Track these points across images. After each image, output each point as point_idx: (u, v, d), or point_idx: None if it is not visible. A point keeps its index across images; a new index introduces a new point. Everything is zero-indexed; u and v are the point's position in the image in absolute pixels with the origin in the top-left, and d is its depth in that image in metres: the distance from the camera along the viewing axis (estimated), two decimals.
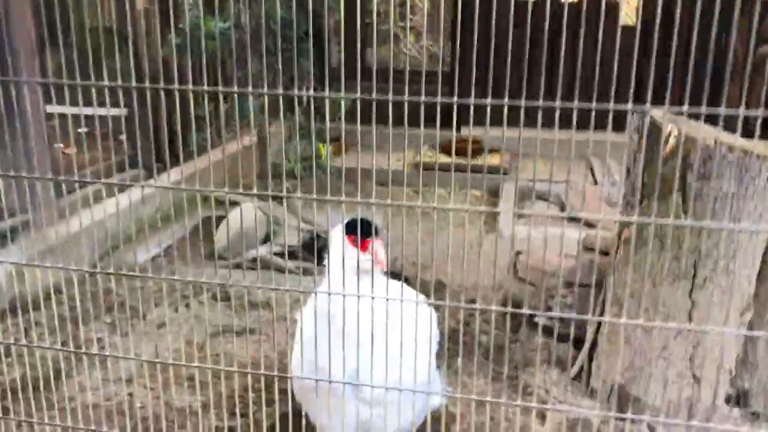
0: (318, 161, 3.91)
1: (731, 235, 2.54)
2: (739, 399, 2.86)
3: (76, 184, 3.69)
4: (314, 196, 1.57)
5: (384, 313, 1.54)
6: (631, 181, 2.85)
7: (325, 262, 1.99)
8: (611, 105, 1.43)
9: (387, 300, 1.52)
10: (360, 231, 1.85)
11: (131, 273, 1.89)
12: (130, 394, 2.84)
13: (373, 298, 1.46)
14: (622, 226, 2.92)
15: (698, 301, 2.60)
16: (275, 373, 1.68)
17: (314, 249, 4.03)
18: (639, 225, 2.73)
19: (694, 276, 2.60)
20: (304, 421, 2.01)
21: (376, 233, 1.91)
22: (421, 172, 6.07)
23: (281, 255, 3.98)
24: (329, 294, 1.52)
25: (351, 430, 1.91)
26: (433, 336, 2.18)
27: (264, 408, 2.76)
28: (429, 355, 2.02)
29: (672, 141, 2.63)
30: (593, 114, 1.41)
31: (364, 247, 1.91)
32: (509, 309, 1.54)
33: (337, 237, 1.97)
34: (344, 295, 1.51)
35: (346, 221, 2.00)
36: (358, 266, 1.75)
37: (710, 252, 2.56)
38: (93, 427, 2.13)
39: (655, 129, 2.77)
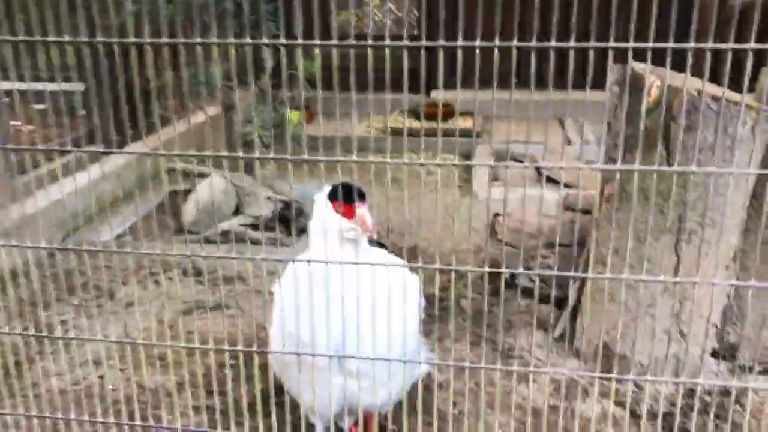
0: (288, 128, 3.76)
1: (716, 187, 2.48)
2: (725, 353, 2.84)
3: (31, 163, 3.50)
4: (289, 157, 1.45)
5: (369, 281, 1.43)
6: (612, 136, 2.77)
7: (307, 231, 1.87)
8: (591, 43, 1.32)
9: (373, 266, 1.41)
10: (344, 196, 1.73)
11: (96, 249, 1.75)
12: (100, 377, 2.71)
13: (357, 264, 1.35)
14: (604, 183, 2.85)
15: (684, 255, 2.54)
16: (253, 348, 1.57)
17: (288, 220, 3.91)
18: (622, 180, 2.66)
19: (679, 230, 2.53)
20: (286, 398, 1.91)
21: (362, 198, 1.79)
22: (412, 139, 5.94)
23: (253, 227, 3.85)
24: (309, 262, 1.41)
25: (336, 404, 1.81)
26: (420, 304, 2.08)
27: (242, 385, 2.65)
28: (417, 323, 1.92)
29: (655, 92, 2.55)
30: (571, 71, 1.30)
31: (349, 214, 1.80)
32: (487, 269, 1.45)
33: (320, 204, 1.85)
34: (327, 263, 1.40)
35: (332, 186, 1.87)
36: (342, 234, 1.63)
37: (695, 205, 2.49)
38: (60, 415, 2.01)
39: (636, 80, 2.69)
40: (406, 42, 1.25)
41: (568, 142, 5.74)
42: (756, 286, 1.61)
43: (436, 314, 1.87)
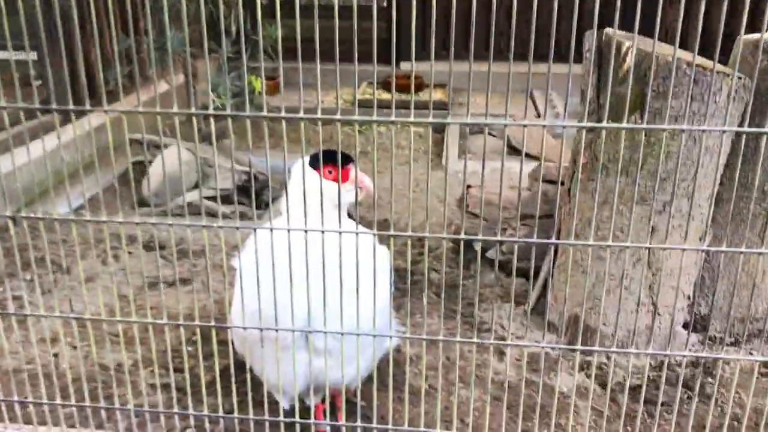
0: (251, 96, 3.62)
1: (691, 156, 2.43)
2: (696, 325, 2.82)
3: None
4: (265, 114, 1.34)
5: (336, 252, 1.33)
6: (585, 104, 2.70)
7: (271, 205, 1.77)
8: None
9: (340, 237, 1.32)
10: (334, 160, 1.65)
11: (52, 217, 1.64)
12: (55, 355, 2.59)
13: (323, 232, 1.25)
14: (576, 154, 2.79)
15: (657, 226, 2.50)
16: (212, 323, 1.47)
17: (250, 192, 3.79)
18: (593, 150, 2.60)
19: (653, 200, 2.49)
20: (248, 375, 1.83)
21: (351, 160, 1.73)
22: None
23: (213, 199, 3.72)
24: (271, 230, 1.31)
25: (302, 382, 1.72)
26: (391, 277, 2.00)
27: (201, 362, 2.56)
28: (388, 297, 1.84)
29: (629, 59, 2.48)
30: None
31: (344, 178, 1.74)
32: (463, 236, 1.37)
33: (298, 174, 1.76)
34: (289, 230, 1.30)
35: (312, 153, 1.79)
36: (339, 200, 1.52)
37: (670, 175, 2.44)
38: (15, 398, 1.90)
39: (609, 47, 2.62)
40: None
41: (538, 115, 5.69)
42: (726, 251, 1.56)
43: (408, 288, 1.80)
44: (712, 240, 2.63)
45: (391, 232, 1.28)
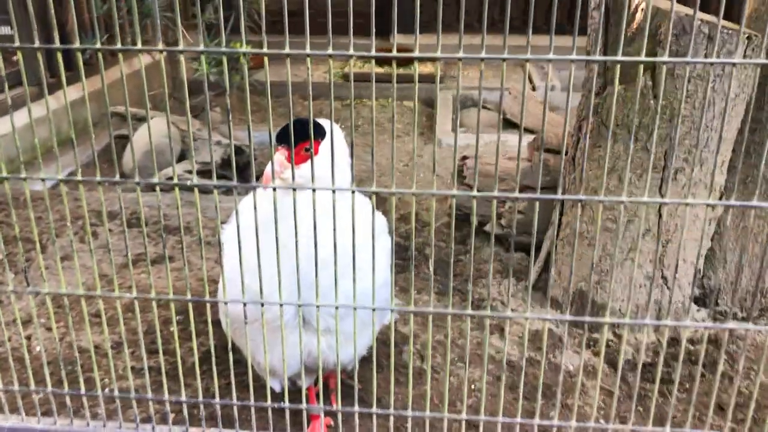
0: (235, 66, 3.44)
1: (705, 119, 2.29)
2: (705, 299, 2.69)
3: None
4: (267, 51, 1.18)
5: (328, 217, 1.17)
6: (590, 68, 2.54)
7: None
8: None
9: (333, 201, 1.15)
10: (286, 139, 1.44)
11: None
12: (28, 338, 2.43)
13: (314, 190, 1.09)
14: (581, 119, 2.64)
15: (668, 195, 2.36)
16: (188, 297, 1.32)
17: (237, 166, 3.62)
18: (600, 116, 2.45)
19: (664, 168, 2.35)
20: (230, 356, 1.68)
21: (321, 136, 1.50)
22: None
23: (201, 173, 3.55)
24: (254, 188, 1.16)
25: (293, 362, 1.57)
26: (391, 247, 1.85)
27: (192, 341, 2.41)
28: (388, 270, 1.69)
29: (639, 15, 2.33)
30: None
31: (298, 158, 1.49)
32: (475, 193, 1.22)
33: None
34: (275, 188, 1.14)
35: (283, 126, 1.53)
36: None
37: (682, 139, 2.30)
38: None
39: (618, 3, 2.47)
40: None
41: (533, 88, 5.52)
42: (737, 204, 1.40)
43: (398, 264, 1.65)
44: (723, 211, 2.50)
45: (393, 190, 1.13)
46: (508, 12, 1.04)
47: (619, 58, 1.17)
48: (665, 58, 1.15)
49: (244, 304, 1.17)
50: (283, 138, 1.46)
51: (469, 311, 1.23)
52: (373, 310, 1.17)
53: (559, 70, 5.71)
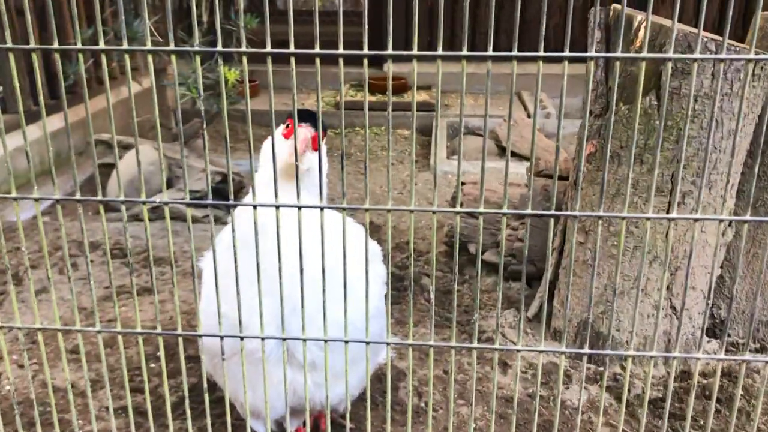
0: (226, 91, 3.33)
1: (713, 141, 2.19)
2: (715, 330, 2.56)
3: None
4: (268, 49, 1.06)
5: (317, 241, 1.04)
6: (592, 88, 2.45)
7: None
8: None
9: (323, 227, 1.03)
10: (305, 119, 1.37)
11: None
12: None
13: (299, 208, 0.96)
14: (582, 141, 2.54)
15: (676, 220, 2.25)
16: (157, 330, 1.19)
17: (225, 195, 3.50)
18: (604, 137, 2.35)
19: (672, 191, 2.24)
20: (208, 396, 1.54)
21: (308, 120, 1.43)
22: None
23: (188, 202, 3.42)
24: (232, 206, 1.04)
25: (280, 404, 1.43)
26: (385, 274, 1.73)
27: (166, 381, 2.26)
28: (382, 299, 1.56)
29: (642, 33, 2.24)
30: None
31: (289, 134, 1.47)
32: (481, 210, 1.10)
33: (267, 143, 1.48)
34: (255, 206, 1.02)
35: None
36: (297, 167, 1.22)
37: (690, 161, 2.20)
38: None
39: (618, 23, 2.38)
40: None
41: (528, 115, 5.45)
42: (752, 220, 1.27)
43: (393, 295, 1.52)
44: (733, 238, 2.39)
45: (389, 206, 1.01)
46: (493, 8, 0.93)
47: (619, 54, 1.06)
48: (671, 54, 1.04)
49: (221, 338, 1.04)
50: (306, 117, 1.39)
51: (475, 344, 1.10)
52: (367, 343, 1.03)
53: (553, 98, 5.65)
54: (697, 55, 1.06)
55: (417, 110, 5.65)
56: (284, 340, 1.06)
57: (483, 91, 6.56)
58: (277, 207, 1.00)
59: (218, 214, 3.34)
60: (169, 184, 3.46)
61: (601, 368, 2.39)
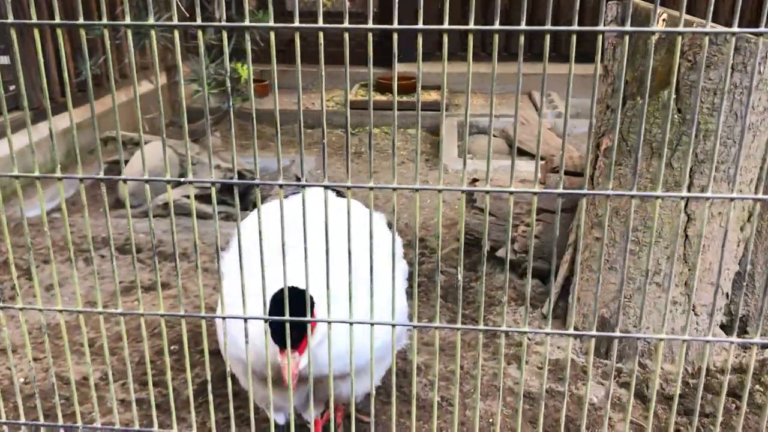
0: (236, 88, 3.33)
1: (732, 134, 2.17)
2: (732, 327, 2.53)
3: None
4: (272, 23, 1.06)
5: (342, 240, 1.00)
6: (609, 82, 2.43)
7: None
8: None
9: (348, 221, 0.99)
10: (280, 335, 1.19)
11: None
12: (10, 369, 2.27)
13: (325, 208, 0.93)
14: (599, 136, 2.52)
15: (694, 214, 2.23)
16: (202, 314, 1.18)
17: (236, 191, 3.49)
18: (621, 131, 2.33)
19: (690, 185, 2.22)
20: (231, 387, 1.52)
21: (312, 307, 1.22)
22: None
23: (199, 198, 3.42)
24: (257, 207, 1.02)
25: (299, 395, 1.41)
26: (405, 269, 1.71)
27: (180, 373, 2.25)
28: (405, 298, 1.54)
29: (660, 25, 2.22)
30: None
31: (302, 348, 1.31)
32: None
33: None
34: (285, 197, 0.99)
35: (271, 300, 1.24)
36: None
37: (709, 155, 2.17)
38: None
39: (635, 17, 2.37)
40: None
41: (539, 115, 5.43)
42: (763, 198, 1.25)
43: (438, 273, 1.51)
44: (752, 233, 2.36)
45: (394, 185, 0.99)
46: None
47: (628, 28, 1.03)
48: (681, 29, 1.01)
49: (245, 320, 1.02)
50: (281, 341, 1.23)
51: (481, 326, 1.08)
52: (393, 326, 1.01)
53: (564, 98, 5.63)
54: (707, 29, 1.03)
55: (426, 110, 5.65)
56: (309, 323, 1.04)
57: (492, 91, 6.55)
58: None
59: (229, 211, 3.33)
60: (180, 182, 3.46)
61: (617, 364, 2.37)
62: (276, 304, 1.17)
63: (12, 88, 4.14)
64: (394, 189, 1.03)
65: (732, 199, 1.00)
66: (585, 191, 0.98)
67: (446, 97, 6.01)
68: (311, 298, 1.10)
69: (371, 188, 1.02)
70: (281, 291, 1.08)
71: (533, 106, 5.66)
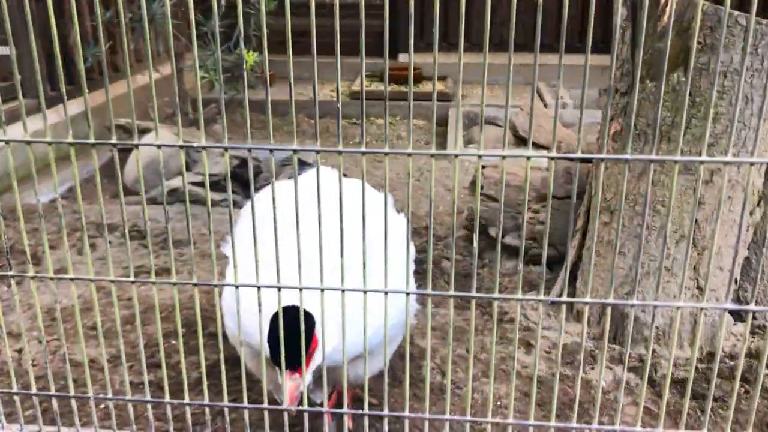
0: (241, 75, 3.30)
1: (742, 119, 2.15)
2: (741, 314, 2.53)
3: None
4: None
5: (349, 216, 1.02)
6: (619, 65, 2.42)
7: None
8: None
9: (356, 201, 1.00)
10: (279, 358, 1.23)
11: None
12: (19, 351, 2.28)
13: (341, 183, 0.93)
14: (609, 120, 2.51)
15: (704, 197, 2.22)
16: (214, 281, 1.18)
17: (243, 179, 3.49)
18: (630, 116, 2.32)
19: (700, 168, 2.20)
20: (244, 371, 1.52)
21: (310, 333, 1.26)
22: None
23: (200, 185, 3.42)
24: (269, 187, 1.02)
25: (308, 377, 1.41)
26: (412, 253, 1.71)
27: (181, 357, 2.25)
28: (412, 278, 1.54)
29: (669, 8, 2.21)
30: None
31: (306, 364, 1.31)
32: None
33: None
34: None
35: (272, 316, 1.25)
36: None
37: (718, 140, 2.16)
38: None
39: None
40: None
41: (545, 105, 5.42)
42: None
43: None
44: (762, 218, 2.35)
45: (386, 150, 0.99)
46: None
47: None
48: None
49: (258, 288, 1.02)
50: (279, 362, 1.26)
51: (473, 293, 1.09)
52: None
53: (569, 89, 5.61)
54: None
55: (431, 100, 5.61)
56: (322, 291, 1.04)
57: (499, 82, 6.53)
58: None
59: (236, 199, 3.33)
60: (187, 168, 3.46)
61: (624, 349, 2.36)
62: (276, 324, 1.16)
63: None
64: (386, 154, 1.03)
65: (752, 164, 0.99)
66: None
67: (450, 88, 5.99)
68: (311, 316, 1.11)
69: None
70: (283, 310, 1.09)
71: (539, 97, 5.65)
